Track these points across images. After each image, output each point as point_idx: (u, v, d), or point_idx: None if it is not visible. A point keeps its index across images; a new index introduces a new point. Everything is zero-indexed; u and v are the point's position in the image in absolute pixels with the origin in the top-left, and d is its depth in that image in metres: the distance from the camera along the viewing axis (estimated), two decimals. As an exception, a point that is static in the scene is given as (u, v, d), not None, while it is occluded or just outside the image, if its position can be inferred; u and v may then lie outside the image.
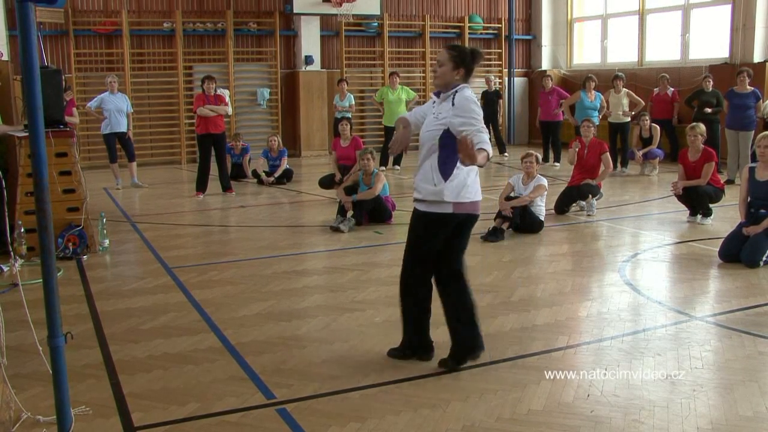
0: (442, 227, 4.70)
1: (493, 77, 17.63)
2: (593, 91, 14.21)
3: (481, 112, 4.63)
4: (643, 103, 14.45)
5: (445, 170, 4.57)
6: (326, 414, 4.10)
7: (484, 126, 4.68)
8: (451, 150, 4.43)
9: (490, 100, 16.89)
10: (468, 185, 4.66)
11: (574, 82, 18.18)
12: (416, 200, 4.72)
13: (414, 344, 4.90)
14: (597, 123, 13.19)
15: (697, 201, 9.28)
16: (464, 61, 4.62)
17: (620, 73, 14.76)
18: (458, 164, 4.49)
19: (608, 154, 10.33)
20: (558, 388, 4.37)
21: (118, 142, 12.95)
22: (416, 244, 4.77)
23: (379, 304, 6.12)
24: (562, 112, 15.04)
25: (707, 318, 5.72)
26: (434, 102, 4.76)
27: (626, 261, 7.52)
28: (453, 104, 4.55)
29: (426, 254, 4.74)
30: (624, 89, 14.27)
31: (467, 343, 4.78)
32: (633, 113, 14.16)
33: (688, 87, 15.47)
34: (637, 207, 10.68)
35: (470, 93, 4.63)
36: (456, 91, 4.59)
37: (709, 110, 13.24)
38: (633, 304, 6.10)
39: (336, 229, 9.04)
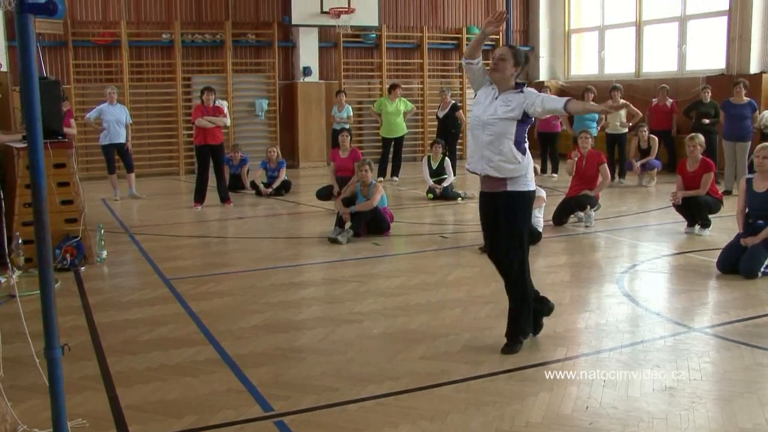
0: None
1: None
2: (592, 102, 14.24)
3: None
4: (641, 114, 14.47)
5: (521, 149, 5.21)
6: (324, 426, 4.09)
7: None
8: (524, 132, 5.26)
9: None
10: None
11: (572, 93, 18.20)
12: (498, 179, 5.22)
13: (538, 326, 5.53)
14: (595, 134, 13.22)
15: (697, 211, 9.28)
16: (521, 61, 5.30)
17: (618, 85, 14.80)
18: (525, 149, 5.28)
19: (606, 165, 10.35)
20: (557, 400, 4.35)
21: (116, 153, 12.96)
22: (524, 224, 5.31)
23: (377, 316, 6.11)
24: (561, 122, 15.09)
25: (706, 329, 5.72)
26: (495, 94, 5.26)
27: (624, 272, 7.51)
28: (522, 92, 5.21)
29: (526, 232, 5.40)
30: (621, 101, 14.24)
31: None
32: (630, 124, 14.20)
33: (685, 98, 15.51)
34: (635, 218, 10.69)
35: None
36: (522, 89, 5.24)
37: (706, 121, 13.29)
38: (631, 315, 6.09)
39: (334, 241, 9.04)
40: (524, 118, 5.18)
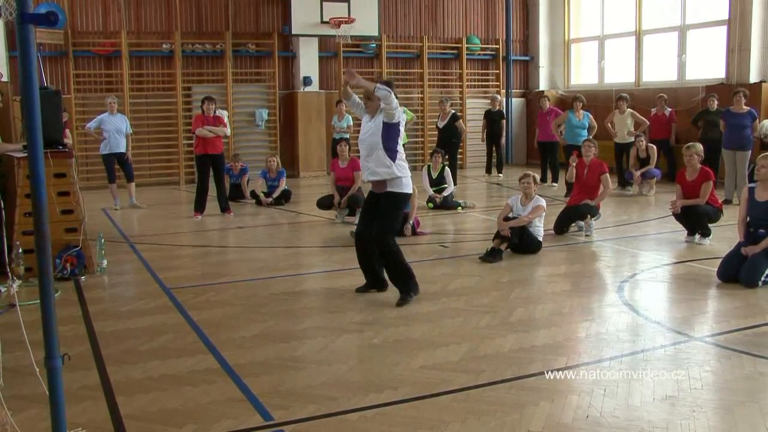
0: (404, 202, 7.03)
1: (498, 97, 17.69)
2: (581, 111, 14.37)
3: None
4: (648, 122, 14.62)
5: (389, 152, 6.67)
6: (324, 436, 4.08)
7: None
8: (390, 140, 6.70)
9: (493, 120, 16.98)
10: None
11: (569, 102, 18.28)
12: (375, 182, 6.77)
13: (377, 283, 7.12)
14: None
15: (696, 220, 9.28)
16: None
17: (624, 95, 14.93)
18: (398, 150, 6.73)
19: (608, 174, 10.32)
20: (557, 409, 4.35)
21: (116, 162, 12.98)
22: (395, 219, 7.01)
23: (377, 325, 6.10)
24: (560, 132, 15.14)
25: (706, 338, 5.71)
26: (369, 119, 6.80)
27: (625, 281, 7.51)
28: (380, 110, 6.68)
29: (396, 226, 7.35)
30: (628, 110, 14.46)
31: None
32: (638, 133, 14.30)
33: (685, 107, 15.59)
34: (635, 227, 10.69)
35: None
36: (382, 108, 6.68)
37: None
38: (632, 324, 6.08)
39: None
40: (387, 126, 6.62)
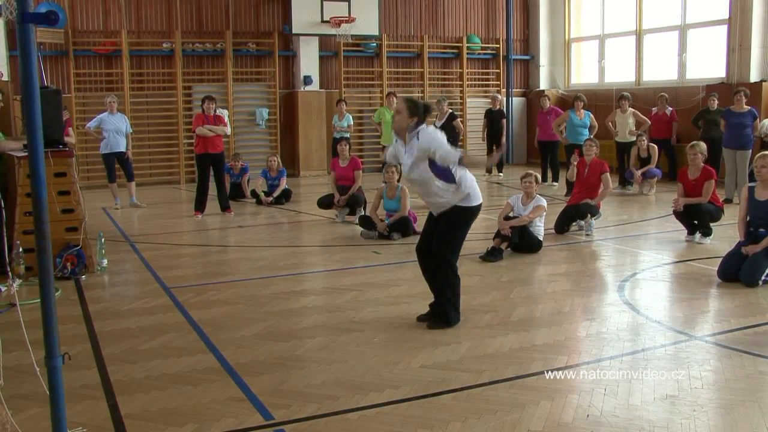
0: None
1: (499, 96, 17.67)
2: (582, 110, 14.38)
3: (442, 136, 5.71)
4: (650, 122, 14.63)
5: (447, 178, 5.73)
6: (325, 435, 4.08)
7: (445, 143, 5.68)
8: (440, 169, 5.68)
9: (494, 119, 16.97)
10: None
11: (568, 101, 18.27)
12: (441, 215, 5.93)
13: None
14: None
15: (699, 219, 9.27)
16: (417, 112, 5.72)
17: (626, 93, 14.93)
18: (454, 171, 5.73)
19: (608, 174, 10.32)
20: (557, 409, 4.35)
21: (117, 162, 12.98)
22: (457, 236, 5.99)
23: (377, 325, 6.10)
24: (562, 130, 15.14)
25: (706, 337, 5.71)
26: (403, 147, 5.88)
27: (625, 280, 7.51)
28: (418, 139, 5.70)
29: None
30: (630, 109, 14.47)
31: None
32: (639, 132, 14.31)
33: (686, 107, 15.59)
34: (635, 226, 10.69)
35: (429, 128, 5.82)
36: (418, 131, 5.73)
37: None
38: (632, 323, 6.08)
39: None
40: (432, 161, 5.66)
